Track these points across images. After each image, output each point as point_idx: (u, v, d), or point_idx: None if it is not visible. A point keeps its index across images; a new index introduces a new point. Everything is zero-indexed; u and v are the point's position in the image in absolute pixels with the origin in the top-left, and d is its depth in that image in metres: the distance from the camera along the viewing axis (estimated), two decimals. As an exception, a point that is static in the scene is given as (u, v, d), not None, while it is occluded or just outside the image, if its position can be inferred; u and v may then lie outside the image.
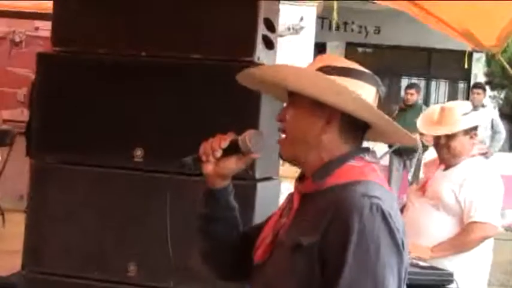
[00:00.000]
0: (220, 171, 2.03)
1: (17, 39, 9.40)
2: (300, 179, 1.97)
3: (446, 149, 4.39)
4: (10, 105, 9.40)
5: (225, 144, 1.99)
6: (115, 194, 3.40)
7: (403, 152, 10.17)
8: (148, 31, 3.40)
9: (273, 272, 1.89)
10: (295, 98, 1.93)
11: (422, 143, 10.03)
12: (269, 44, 3.50)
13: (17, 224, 3.59)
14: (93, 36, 3.47)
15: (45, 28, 8.74)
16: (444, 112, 4.55)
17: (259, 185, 3.27)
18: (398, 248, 1.75)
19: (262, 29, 3.37)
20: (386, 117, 1.88)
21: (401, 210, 4.68)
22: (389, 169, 10.58)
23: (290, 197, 2.00)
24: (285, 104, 2.01)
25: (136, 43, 3.42)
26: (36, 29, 9.47)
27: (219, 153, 2.00)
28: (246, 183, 3.21)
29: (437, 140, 4.49)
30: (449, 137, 4.37)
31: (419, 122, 4.78)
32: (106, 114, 3.45)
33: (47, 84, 3.53)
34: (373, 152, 1.94)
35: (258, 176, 3.26)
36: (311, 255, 1.76)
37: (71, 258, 3.44)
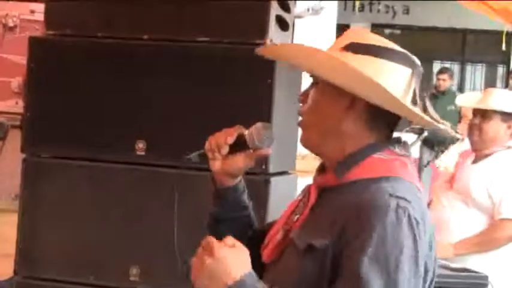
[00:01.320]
0: (228, 169, 2.00)
1: (11, 24, 9.41)
2: (320, 170, 1.93)
3: (477, 131, 4.36)
4: (3, 95, 9.42)
5: (231, 139, 1.96)
6: (115, 191, 3.40)
7: (435, 143, 10.12)
8: (150, 12, 3.40)
9: (281, 275, 1.86)
10: (317, 79, 1.89)
11: (457, 133, 10.02)
12: (284, 25, 3.48)
13: (11, 226, 3.60)
14: (90, 18, 3.47)
15: (41, 11, 8.75)
16: (487, 91, 4.59)
17: (273, 180, 3.26)
18: (418, 261, 1.70)
19: (275, 9, 3.35)
20: (404, 104, 1.81)
21: (428, 205, 4.67)
22: (419, 162, 10.53)
23: (307, 190, 1.94)
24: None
25: (137, 25, 3.42)
26: (32, 12, 9.48)
27: (225, 150, 1.97)
28: (258, 179, 3.20)
29: (471, 120, 4.48)
30: (484, 118, 4.35)
31: (461, 96, 4.77)
32: (105, 103, 3.45)
33: (41, 71, 3.53)
34: (405, 144, 1.89)
35: (271, 170, 3.25)
36: (324, 259, 1.73)
37: (68, 262, 3.44)
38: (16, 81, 9.42)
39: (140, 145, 3.38)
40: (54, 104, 3.51)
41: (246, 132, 1.97)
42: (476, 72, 15.70)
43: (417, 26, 14.77)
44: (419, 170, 4.80)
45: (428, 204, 4.69)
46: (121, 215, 3.39)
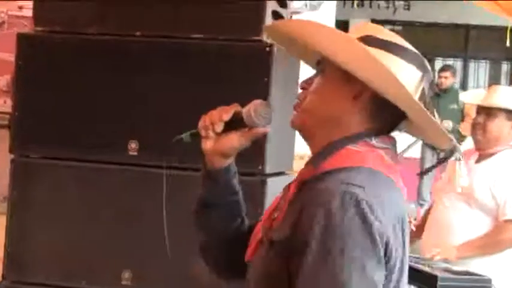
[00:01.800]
0: (221, 148, 1.97)
1: (-1, 20, 9.41)
2: (306, 164, 1.90)
3: (481, 130, 4.35)
4: (-8, 94, 9.42)
5: (227, 116, 1.92)
6: (107, 193, 3.41)
7: (436, 143, 10.14)
8: (143, 8, 3.40)
9: (252, 271, 1.87)
10: (324, 67, 1.88)
11: (459, 132, 10.02)
12: (280, 21, 3.49)
13: (1, 229, 3.61)
14: (81, 14, 3.47)
15: (30, 7, 8.74)
16: (492, 89, 4.58)
17: (270, 181, 3.27)
18: (374, 244, 1.65)
19: (272, 5, 3.36)
20: (419, 103, 1.80)
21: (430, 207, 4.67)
22: (420, 163, 10.55)
23: (288, 185, 1.92)
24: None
25: (129, 21, 3.42)
26: (20, 8, 9.47)
27: (220, 127, 1.94)
28: (255, 179, 3.21)
29: (475, 119, 4.46)
30: (489, 116, 4.34)
31: (465, 93, 4.75)
32: (96, 102, 3.46)
33: (29, 69, 3.54)
34: (388, 138, 1.86)
35: (268, 170, 3.25)
36: (284, 252, 1.72)
37: (58, 266, 3.45)
38: (4, 79, 9.40)
39: (133, 145, 3.39)
40: (44, 103, 3.51)
41: (244, 109, 1.94)
42: (479, 70, 15.72)
43: (418, 22, 14.80)
44: (421, 170, 4.79)
45: (429, 210, 4.70)
46: (113, 217, 3.39)
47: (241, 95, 3.23)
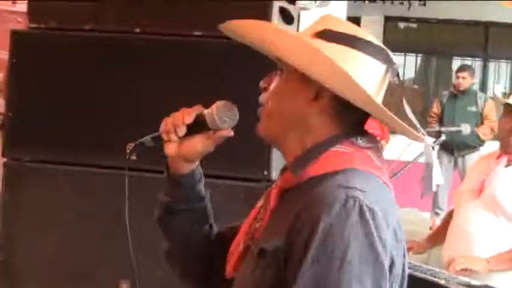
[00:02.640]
0: (184, 152, 1.98)
1: (-9, 15, 9.43)
2: (282, 171, 1.92)
3: None
4: (-17, 94, 9.45)
5: (189, 119, 1.94)
6: (103, 198, 3.42)
7: (454, 147, 10.12)
8: (141, 3, 3.42)
9: (239, 286, 1.85)
10: (282, 65, 1.88)
11: (478, 137, 10.02)
12: (288, 18, 3.50)
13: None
14: (77, 10, 3.49)
15: (24, 2, 8.76)
16: None
17: (276, 187, 3.28)
18: (376, 254, 1.65)
19: (279, 1, 3.37)
20: (380, 105, 1.79)
21: (451, 215, 4.62)
22: (426, 167, 10.51)
23: (267, 193, 1.93)
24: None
25: (127, 18, 3.44)
26: (14, 3, 9.51)
27: (182, 131, 1.95)
28: (259, 186, 3.23)
29: (504, 121, 4.36)
30: None
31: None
32: (93, 103, 3.47)
33: (23, 67, 3.56)
34: (371, 136, 1.86)
35: (274, 177, 3.26)
36: (277, 263, 1.71)
37: (51, 275, 3.46)
38: (-4, 78, 9.43)
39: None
40: (38, 103, 3.53)
41: (206, 111, 1.94)
42: (500, 70, 15.67)
43: (435, 18, 14.76)
44: (427, 173, 4.74)
45: (451, 214, 4.64)
46: (109, 224, 3.39)
47: (244, 95, 3.25)
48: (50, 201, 3.49)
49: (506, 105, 4.42)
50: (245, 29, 1.97)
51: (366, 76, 1.80)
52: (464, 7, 13.74)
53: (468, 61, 14.59)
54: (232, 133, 1.97)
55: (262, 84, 1.93)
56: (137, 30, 3.42)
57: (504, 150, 4.40)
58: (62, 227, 3.46)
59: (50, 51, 3.52)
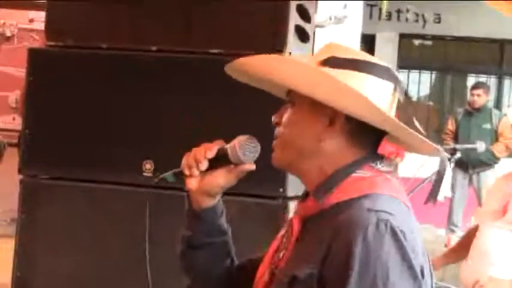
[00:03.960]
0: (206, 187, 1.99)
1: (8, 33, 9.47)
2: (302, 200, 1.93)
3: None
4: (0, 111, 9.49)
5: (211, 153, 1.95)
6: (120, 216, 3.42)
7: (469, 165, 10.09)
8: (158, 22, 3.43)
9: None
10: (293, 97, 1.89)
11: (493, 155, 9.97)
12: (304, 36, 3.50)
13: (8, 252, 3.62)
14: (94, 28, 3.51)
15: (41, 20, 8.79)
16: None
17: (292, 205, 3.27)
18: (414, 273, 1.67)
19: (295, 18, 3.37)
20: (396, 120, 1.81)
21: (471, 233, 4.58)
22: (437, 174, 10.46)
23: (289, 223, 1.93)
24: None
25: (144, 36, 3.45)
26: (31, 21, 9.55)
27: (204, 165, 1.96)
28: (275, 203, 3.22)
29: None
30: None
31: None
32: (109, 120, 3.48)
33: (40, 85, 3.57)
34: (388, 160, 1.87)
35: (290, 193, 3.26)
36: None
37: (67, 293, 3.46)
38: (14, 96, 9.47)
39: (147, 166, 3.40)
40: (54, 121, 3.54)
41: (228, 146, 1.97)
42: (515, 87, 15.63)
43: (450, 36, 14.74)
44: (434, 190, 4.72)
45: (474, 232, 4.59)
46: (127, 242, 3.38)
47: (261, 114, 3.26)
48: (67, 218, 3.49)
49: None
50: (251, 64, 1.98)
51: (376, 96, 1.82)
52: (479, 24, 13.72)
53: (483, 78, 14.55)
54: (254, 166, 1.99)
55: (274, 119, 1.94)
56: (153, 48, 3.42)
57: None
58: (78, 245, 3.45)
59: (66, 69, 3.53)
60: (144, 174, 3.40)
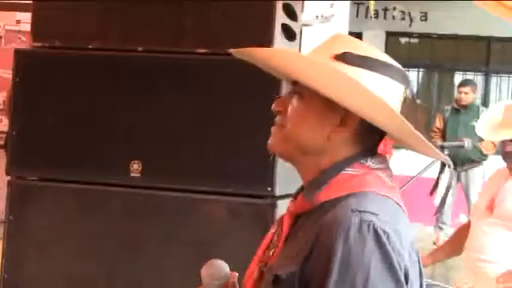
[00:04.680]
0: None
1: (-5, 35, 9.46)
2: (295, 195, 1.89)
3: None
4: (-13, 112, 9.46)
5: None
6: (108, 217, 3.41)
7: (457, 163, 10.11)
8: (146, 22, 3.42)
9: None
10: (302, 90, 1.84)
11: (481, 152, 9.99)
12: (290, 35, 3.49)
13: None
14: (81, 28, 3.49)
15: (28, 21, 8.76)
16: (509, 111, 4.45)
17: (280, 204, 3.27)
18: (396, 276, 1.64)
19: (281, 17, 3.37)
20: (411, 128, 1.76)
21: (462, 231, 4.58)
22: (435, 183, 10.50)
23: (281, 219, 1.91)
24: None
25: (132, 36, 3.44)
26: (18, 22, 9.53)
27: None
28: (264, 202, 3.21)
29: (504, 146, 4.37)
30: None
31: (479, 126, 4.62)
32: (97, 121, 3.47)
33: (27, 86, 3.56)
34: (381, 156, 1.85)
35: (278, 192, 3.25)
36: None
37: (56, 294, 3.45)
38: (0, 97, 9.45)
39: (135, 166, 3.39)
40: (42, 122, 3.53)
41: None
42: (502, 84, 15.65)
43: (436, 33, 14.76)
44: (435, 188, 4.71)
45: (466, 228, 4.58)
46: (114, 244, 3.38)
47: (249, 114, 3.26)
48: (55, 219, 3.48)
49: None
50: (266, 56, 1.93)
51: (389, 99, 1.79)
52: (465, 22, 13.75)
53: (470, 76, 14.58)
54: None
55: (275, 107, 1.89)
56: (140, 48, 3.41)
57: (509, 166, 4.38)
58: (66, 246, 3.44)
59: (53, 70, 3.52)
60: (132, 174, 3.39)
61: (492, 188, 4.43)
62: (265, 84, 3.22)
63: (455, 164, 10.34)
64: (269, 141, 1.89)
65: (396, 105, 1.83)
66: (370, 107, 1.74)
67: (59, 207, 3.47)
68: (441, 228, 10.19)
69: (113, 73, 3.45)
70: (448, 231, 9.13)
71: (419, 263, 1.77)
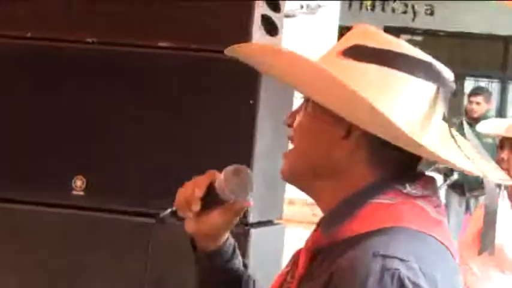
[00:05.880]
0: (204, 229, 2.00)
1: None
2: (316, 227, 1.88)
3: (506, 170, 4.27)
4: None
5: (201, 192, 1.96)
6: (47, 242, 3.41)
7: (466, 187, 10.14)
8: (98, 8, 3.42)
9: None
10: (306, 99, 1.84)
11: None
12: (272, 28, 3.52)
13: None
14: (18, 13, 3.49)
15: None
16: None
17: (254, 232, 3.30)
18: None
19: (261, 7, 3.40)
20: (413, 138, 1.68)
21: None
22: (486, 216, 10.51)
23: (296, 255, 1.91)
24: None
25: (80, 24, 3.44)
26: None
27: (196, 206, 1.96)
28: (236, 230, 3.22)
29: (498, 154, 4.42)
30: None
31: (484, 122, 4.71)
32: (33, 127, 3.47)
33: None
34: (425, 180, 1.78)
35: (252, 219, 3.28)
36: None
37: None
38: None
39: (78, 183, 3.40)
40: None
41: (217, 180, 1.97)
42: (521, 93, 15.80)
43: (444, 31, 14.87)
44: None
45: None
46: (53, 270, 3.38)
47: (219, 121, 3.27)
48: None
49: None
50: (256, 56, 1.94)
51: (410, 102, 1.75)
52: (479, 18, 13.85)
53: (483, 82, 14.69)
54: (250, 203, 2.00)
55: (286, 120, 1.90)
56: (91, 40, 3.42)
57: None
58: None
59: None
60: (74, 192, 3.40)
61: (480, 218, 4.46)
62: (237, 87, 3.25)
63: (463, 190, 10.37)
64: (281, 168, 1.89)
65: (421, 110, 1.76)
66: (369, 121, 1.71)
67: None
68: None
69: (54, 68, 3.45)
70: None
71: None
